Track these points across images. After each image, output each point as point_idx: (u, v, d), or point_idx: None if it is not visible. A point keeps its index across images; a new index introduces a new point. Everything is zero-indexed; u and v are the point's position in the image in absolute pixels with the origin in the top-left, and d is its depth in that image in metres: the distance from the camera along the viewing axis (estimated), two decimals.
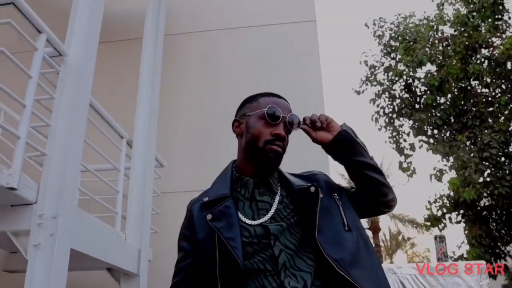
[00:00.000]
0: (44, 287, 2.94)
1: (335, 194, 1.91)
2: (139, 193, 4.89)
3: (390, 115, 13.71)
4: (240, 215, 1.79)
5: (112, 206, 4.61)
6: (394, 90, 13.75)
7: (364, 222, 29.30)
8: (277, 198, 1.85)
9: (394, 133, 13.72)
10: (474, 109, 12.58)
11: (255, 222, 1.78)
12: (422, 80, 13.51)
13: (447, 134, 12.83)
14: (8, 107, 4.74)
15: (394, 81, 13.55)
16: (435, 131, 13.09)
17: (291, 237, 1.77)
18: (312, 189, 1.82)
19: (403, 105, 13.33)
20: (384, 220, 29.10)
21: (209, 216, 1.78)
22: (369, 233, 28.95)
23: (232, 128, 1.98)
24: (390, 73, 13.65)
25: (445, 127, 12.89)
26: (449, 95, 13.36)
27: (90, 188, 4.54)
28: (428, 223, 12.87)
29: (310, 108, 6.38)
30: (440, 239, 4.00)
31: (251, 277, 1.70)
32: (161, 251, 5.52)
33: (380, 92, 13.78)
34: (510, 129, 12.07)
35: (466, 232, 12.70)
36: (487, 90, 13.25)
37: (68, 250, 3.21)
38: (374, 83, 14.08)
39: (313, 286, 1.70)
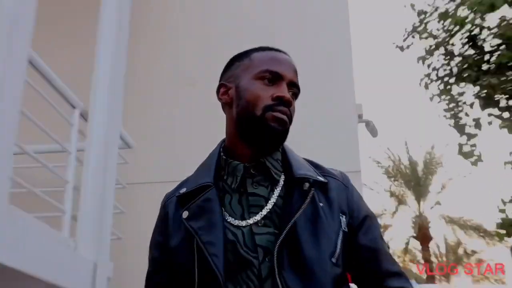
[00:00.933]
0: None
1: (345, 216, 1.92)
2: (97, 185, 4.88)
3: (446, 79, 13.73)
4: (225, 213, 1.84)
5: (59, 202, 4.63)
6: (453, 44, 13.74)
7: (410, 229, 29.32)
8: (277, 190, 1.88)
9: (452, 104, 13.74)
10: None
11: (244, 223, 1.82)
12: (494, 30, 13.46)
13: None
14: None
15: (453, 32, 13.52)
16: (511, 102, 13.10)
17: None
18: (306, 185, 1.85)
19: (465, 66, 13.32)
20: (437, 226, 29.26)
21: (185, 214, 1.84)
22: (416, 243, 29.17)
23: (217, 95, 2.03)
24: (448, 21, 13.61)
25: None
26: None
27: (28, 177, 4.54)
28: (502, 231, 12.91)
29: (334, 71, 6.44)
30: None
31: None
32: (126, 265, 5.58)
33: (433, 47, 13.77)
34: None
35: None
36: None
37: None
38: (425, 35, 14.08)
39: None
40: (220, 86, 2.01)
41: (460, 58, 13.59)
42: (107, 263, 4.83)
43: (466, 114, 13.71)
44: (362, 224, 1.94)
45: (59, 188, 4.81)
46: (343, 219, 1.89)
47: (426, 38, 14.05)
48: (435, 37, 13.98)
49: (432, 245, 28.69)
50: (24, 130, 4.02)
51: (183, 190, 1.91)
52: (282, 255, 1.72)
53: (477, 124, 13.52)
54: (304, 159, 2.03)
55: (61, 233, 4.52)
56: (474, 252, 30.55)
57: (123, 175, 5.64)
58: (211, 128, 6.24)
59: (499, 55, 12.87)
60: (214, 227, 1.76)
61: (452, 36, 13.71)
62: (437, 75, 13.83)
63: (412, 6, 14.51)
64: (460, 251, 30.88)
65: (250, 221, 1.80)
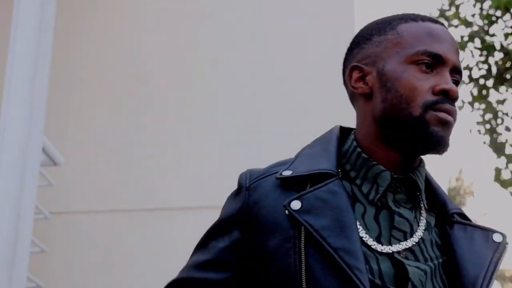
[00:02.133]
0: None
1: None
2: (9, 214, 4.90)
3: (482, 81, 13.82)
4: (359, 226, 1.74)
5: None
6: (493, 35, 13.83)
7: None
8: (423, 218, 1.85)
9: (489, 115, 13.80)
10: None
11: (383, 249, 1.73)
12: None
13: None
14: None
15: (493, 18, 13.62)
16: None
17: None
18: (498, 237, 1.84)
19: (509, 64, 13.41)
20: None
21: (295, 204, 1.69)
22: None
23: (348, 81, 1.94)
24: (485, 5, 13.70)
25: None
26: None
27: None
28: None
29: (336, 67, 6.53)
30: None
31: None
32: None
33: (466, 38, 13.87)
34: None
35: None
36: None
37: None
38: (455, 22, 14.16)
39: None
40: (352, 68, 1.90)
41: (502, 54, 13.63)
42: None
43: (507, 129, 13.76)
44: None
45: None
46: None
47: (457, 26, 14.12)
48: (469, 24, 14.04)
49: None
50: None
51: (288, 172, 1.78)
52: None
53: None
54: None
55: None
56: None
57: (46, 201, 5.62)
58: (158, 144, 6.31)
59: None
60: (347, 229, 1.65)
61: (491, 24, 13.78)
62: (470, 76, 13.89)
63: None
64: None
65: (393, 248, 1.72)
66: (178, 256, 3.14)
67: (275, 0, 6.93)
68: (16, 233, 4.86)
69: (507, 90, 13.70)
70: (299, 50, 6.59)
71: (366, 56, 1.87)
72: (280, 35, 6.71)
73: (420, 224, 1.80)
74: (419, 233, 1.77)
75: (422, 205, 1.84)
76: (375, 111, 1.83)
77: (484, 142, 14.00)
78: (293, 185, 1.74)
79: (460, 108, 13.98)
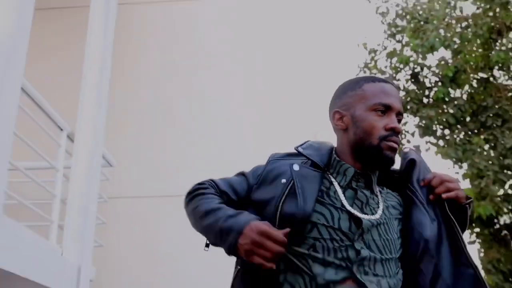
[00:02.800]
0: None
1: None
2: (81, 198, 4.92)
3: None
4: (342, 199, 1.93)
5: (47, 214, 4.65)
6: (398, 80, 13.89)
7: None
8: (381, 202, 1.99)
9: None
10: (495, 106, 12.72)
11: (352, 211, 1.90)
12: (433, 69, 13.66)
13: (461, 136, 12.98)
14: None
15: (399, 69, 13.68)
16: (446, 132, 13.24)
17: (380, 240, 1.90)
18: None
19: (408, 99, 13.45)
20: None
21: (296, 167, 1.95)
22: None
23: (332, 120, 2.06)
24: (394, 60, 13.78)
25: (458, 127, 13.05)
26: (465, 88, 13.52)
27: (20, 191, 4.57)
28: None
29: (291, 103, 6.50)
30: None
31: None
32: (105, 269, 5.60)
33: None
34: None
35: (481, 255, 12.90)
36: None
37: None
38: (374, 71, 14.21)
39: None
40: (334, 112, 2.04)
41: (404, 93, 13.71)
42: (90, 267, 4.87)
43: (408, 141, 13.81)
44: None
45: (48, 201, 4.81)
46: None
47: (375, 73, 14.18)
48: (383, 72, 14.11)
49: None
50: (17, 149, 4.06)
51: (301, 149, 2.03)
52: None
53: (417, 150, 13.68)
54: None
55: (49, 240, 4.52)
56: None
57: (105, 190, 5.66)
58: (183, 150, 6.32)
59: (436, 90, 13.06)
60: (311, 189, 1.90)
61: (398, 72, 13.86)
62: None
63: (364, 45, 14.68)
64: None
65: (360, 214, 1.90)
66: None
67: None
68: (87, 211, 4.89)
69: (407, 116, 13.72)
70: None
71: (343, 104, 2.01)
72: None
73: (373, 201, 1.96)
74: (379, 213, 1.93)
75: (375, 189, 2.00)
76: (349, 139, 1.98)
77: None
78: (299, 158, 1.99)
79: None
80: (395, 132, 1.92)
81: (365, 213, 1.90)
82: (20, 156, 4.59)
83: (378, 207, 1.95)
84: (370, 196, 1.95)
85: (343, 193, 1.93)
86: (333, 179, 1.97)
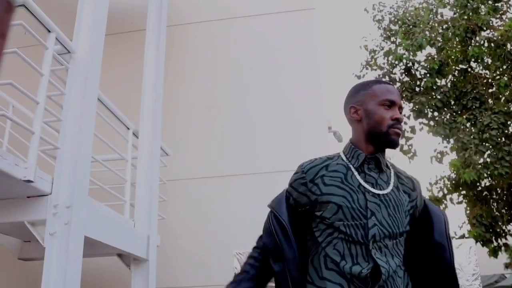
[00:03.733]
0: (61, 272, 3.13)
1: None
2: (146, 182, 5.06)
3: None
4: (359, 179, 1.97)
5: (121, 195, 4.79)
6: (394, 74, 13.80)
7: None
8: (391, 182, 2.02)
9: None
10: (474, 91, 12.61)
11: (363, 186, 1.95)
12: (422, 63, 13.55)
13: (447, 117, 12.88)
14: (16, 101, 4.89)
15: (394, 65, 13.57)
16: (435, 114, 13.13)
17: (389, 218, 1.93)
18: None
19: (403, 89, 13.37)
20: None
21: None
22: None
23: (348, 114, 2.10)
24: (390, 57, 13.68)
25: (445, 109, 12.96)
26: (449, 78, 13.43)
27: (99, 178, 4.71)
28: None
29: (308, 96, 6.54)
30: None
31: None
32: (168, 237, 5.73)
33: (381, 76, 13.84)
34: (509, 110, 12.16)
35: (467, 212, 12.86)
36: (487, 72, 13.34)
37: (82, 237, 3.40)
38: (375, 67, 14.14)
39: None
40: (351, 107, 2.07)
41: (400, 84, 13.65)
42: (156, 236, 5.01)
43: (405, 123, 13.76)
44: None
45: (121, 184, 4.95)
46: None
47: (376, 69, 14.13)
48: (382, 68, 14.05)
49: None
50: (96, 145, 4.20)
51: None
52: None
53: (413, 130, 13.58)
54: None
55: (124, 216, 4.66)
56: None
57: (164, 174, 5.75)
58: (224, 141, 6.41)
59: (425, 81, 12.98)
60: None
61: (394, 67, 13.77)
62: None
63: (365, 47, 14.63)
64: None
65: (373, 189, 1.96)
66: (254, 208, 3.27)
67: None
68: (151, 191, 5.02)
69: (404, 102, 13.62)
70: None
71: (357, 101, 2.05)
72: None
73: (389, 186, 1.99)
74: (388, 190, 1.97)
75: (385, 170, 2.03)
76: (363, 128, 2.02)
77: None
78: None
79: None
80: (399, 121, 1.98)
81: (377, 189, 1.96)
82: (98, 150, 4.73)
83: (388, 184, 2.00)
84: (378, 177, 1.99)
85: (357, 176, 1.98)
86: (348, 164, 2.02)
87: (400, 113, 2.03)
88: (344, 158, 2.04)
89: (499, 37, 12.29)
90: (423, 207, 2.12)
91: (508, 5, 13.25)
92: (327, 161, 2.06)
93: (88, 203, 3.68)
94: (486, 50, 12.67)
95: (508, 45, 12.32)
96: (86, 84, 3.70)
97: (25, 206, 3.32)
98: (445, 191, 12.73)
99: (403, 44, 13.08)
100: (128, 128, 5.20)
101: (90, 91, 3.75)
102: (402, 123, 2.02)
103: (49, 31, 3.46)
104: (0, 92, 4.20)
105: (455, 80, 13.30)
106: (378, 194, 1.94)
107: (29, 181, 3.06)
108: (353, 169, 1.99)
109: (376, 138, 1.99)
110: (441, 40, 13.03)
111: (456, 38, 12.85)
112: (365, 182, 1.95)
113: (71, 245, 3.22)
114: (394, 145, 2.00)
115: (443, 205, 12.82)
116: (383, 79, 2.49)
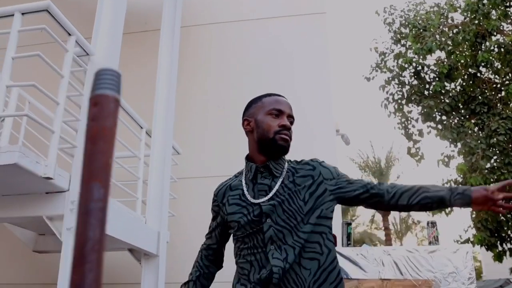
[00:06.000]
0: None
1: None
2: (158, 179, 5.16)
3: (399, 101, 13.81)
4: (247, 195, 2.06)
5: (133, 192, 4.92)
6: (404, 77, 13.84)
7: None
8: (279, 181, 2.05)
9: (403, 119, 13.83)
10: (482, 96, 12.64)
11: (254, 201, 2.02)
12: (432, 67, 13.59)
13: (455, 121, 12.91)
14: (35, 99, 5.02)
15: (404, 68, 13.59)
16: (443, 118, 13.17)
17: (284, 214, 1.98)
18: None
19: (412, 92, 13.42)
20: None
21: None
22: (379, 216, 29.29)
23: (243, 126, 2.19)
24: (400, 60, 13.70)
25: (453, 113, 12.99)
26: (458, 82, 13.47)
27: (113, 175, 4.83)
28: None
29: (317, 98, 6.63)
30: (432, 225, 4.30)
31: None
32: (178, 234, 5.82)
33: (390, 78, 13.88)
34: None
35: (473, 216, 12.89)
36: (496, 77, 13.36)
37: None
38: (384, 70, 14.17)
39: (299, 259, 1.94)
40: (244, 120, 2.16)
41: (409, 87, 13.70)
42: (166, 232, 5.12)
43: (413, 126, 13.80)
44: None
45: (133, 181, 5.07)
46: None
47: (385, 72, 14.16)
48: (391, 71, 14.08)
49: (390, 217, 28.61)
50: None
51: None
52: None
53: (420, 133, 13.64)
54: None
55: (136, 212, 4.78)
56: (419, 222, 30.57)
57: (175, 172, 5.86)
58: (235, 141, 6.49)
59: (434, 84, 13.01)
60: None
61: (403, 70, 13.80)
62: (393, 98, 13.91)
63: (376, 49, 14.65)
64: (409, 221, 30.91)
65: (258, 200, 2.02)
66: None
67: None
68: (162, 189, 5.13)
69: (412, 106, 13.73)
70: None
71: (249, 113, 2.16)
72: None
73: (276, 184, 2.04)
74: (273, 191, 2.02)
75: (278, 175, 2.07)
76: (254, 138, 2.10)
77: (401, 133, 14.04)
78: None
79: (389, 115, 13.97)
80: (285, 127, 2.06)
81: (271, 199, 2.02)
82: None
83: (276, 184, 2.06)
84: (271, 182, 2.05)
85: (251, 189, 2.08)
86: (246, 178, 2.12)
87: (291, 123, 2.11)
88: (244, 173, 2.14)
89: (509, 43, 12.32)
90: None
91: None
92: (233, 179, 2.19)
93: None
94: (496, 55, 12.71)
95: None
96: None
97: (43, 201, 3.46)
98: None
99: (413, 48, 13.10)
100: (141, 127, 5.31)
101: None
102: (291, 131, 2.09)
103: (69, 35, 3.59)
104: (19, 90, 4.33)
105: (464, 84, 13.33)
106: (272, 198, 2.00)
107: (49, 178, 3.20)
108: (244, 184, 2.10)
109: (265, 146, 2.06)
110: (451, 45, 13.06)
111: (466, 42, 12.87)
112: (258, 192, 2.04)
113: None
114: (282, 150, 2.07)
115: (449, 209, 12.89)
116: (275, 93, 2.51)
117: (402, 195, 2.04)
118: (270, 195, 2.01)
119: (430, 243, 4.19)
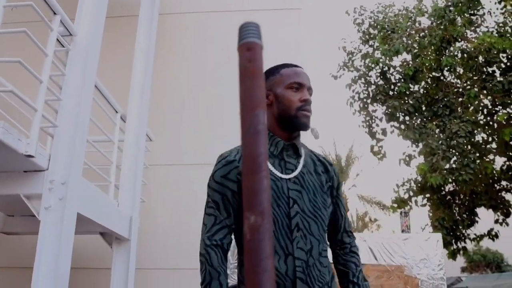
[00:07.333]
0: (54, 246, 3.23)
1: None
2: (131, 165, 5.13)
3: (364, 100, 14.00)
4: (272, 169, 1.95)
5: (106, 176, 4.87)
6: (370, 76, 14.02)
7: None
8: (302, 161, 2.02)
9: (368, 118, 14.04)
10: (445, 99, 12.93)
11: (282, 176, 1.95)
12: (397, 68, 13.83)
13: (418, 122, 13.18)
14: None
15: (371, 68, 13.80)
16: (407, 118, 13.42)
17: (310, 204, 1.95)
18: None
19: (378, 92, 13.62)
20: (352, 201, 29.71)
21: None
22: None
23: None
24: (367, 60, 13.90)
25: (416, 114, 13.25)
26: (422, 84, 13.73)
27: (88, 158, 4.78)
28: (395, 205, 13.30)
29: None
30: (405, 214, 4.48)
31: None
32: (148, 220, 5.80)
33: (356, 78, 14.05)
34: (477, 120, 12.51)
35: (431, 215, 13.21)
36: (458, 82, 13.67)
37: (75, 213, 3.50)
38: (351, 69, 14.35)
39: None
40: None
41: (375, 86, 13.89)
42: (138, 217, 5.10)
43: (377, 125, 14.01)
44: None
45: (107, 166, 5.02)
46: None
47: (352, 71, 14.33)
48: (358, 70, 14.24)
49: (348, 214, 28.95)
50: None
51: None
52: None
53: (384, 132, 13.87)
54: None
55: (108, 196, 4.75)
56: (376, 219, 31.06)
57: (147, 159, 5.81)
58: (207, 128, 6.48)
59: (399, 85, 13.27)
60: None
61: (370, 70, 13.98)
62: (359, 97, 14.07)
63: (344, 48, 14.83)
64: (367, 219, 31.38)
65: (288, 176, 1.96)
66: None
67: None
68: (135, 175, 5.10)
69: (377, 105, 13.94)
70: None
71: (268, 86, 2.02)
72: None
73: (300, 164, 2.00)
74: (298, 169, 1.98)
75: (301, 154, 2.04)
76: (273, 113, 2.00)
77: (365, 132, 14.22)
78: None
79: (354, 113, 14.16)
80: (307, 102, 1.98)
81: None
82: (90, 132, 4.80)
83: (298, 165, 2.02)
84: (297, 162, 2.01)
85: (277, 164, 1.99)
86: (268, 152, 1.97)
87: (310, 94, 2.04)
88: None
89: (472, 49, 12.62)
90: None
91: (482, 19, 13.61)
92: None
93: (81, 182, 3.77)
94: (459, 61, 13.01)
95: (480, 57, 12.66)
96: (85, 67, 3.78)
97: (21, 180, 3.41)
98: (411, 193, 13.02)
99: (381, 49, 13.32)
100: (117, 112, 5.25)
101: (88, 74, 3.83)
102: (311, 105, 2.02)
103: (55, 14, 3.54)
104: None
105: (427, 87, 13.61)
106: (298, 179, 1.97)
107: (30, 156, 3.15)
108: (273, 157, 1.99)
109: (286, 122, 1.99)
110: (417, 48, 13.31)
111: (432, 46, 13.14)
112: (286, 170, 1.97)
113: (65, 220, 3.31)
114: (304, 127, 2.00)
115: (408, 206, 13.16)
116: (294, 63, 2.47)
117: (340, 258, 2.15)
118: (297, 171, 1.98)
119: (403, 231, 4.32)
